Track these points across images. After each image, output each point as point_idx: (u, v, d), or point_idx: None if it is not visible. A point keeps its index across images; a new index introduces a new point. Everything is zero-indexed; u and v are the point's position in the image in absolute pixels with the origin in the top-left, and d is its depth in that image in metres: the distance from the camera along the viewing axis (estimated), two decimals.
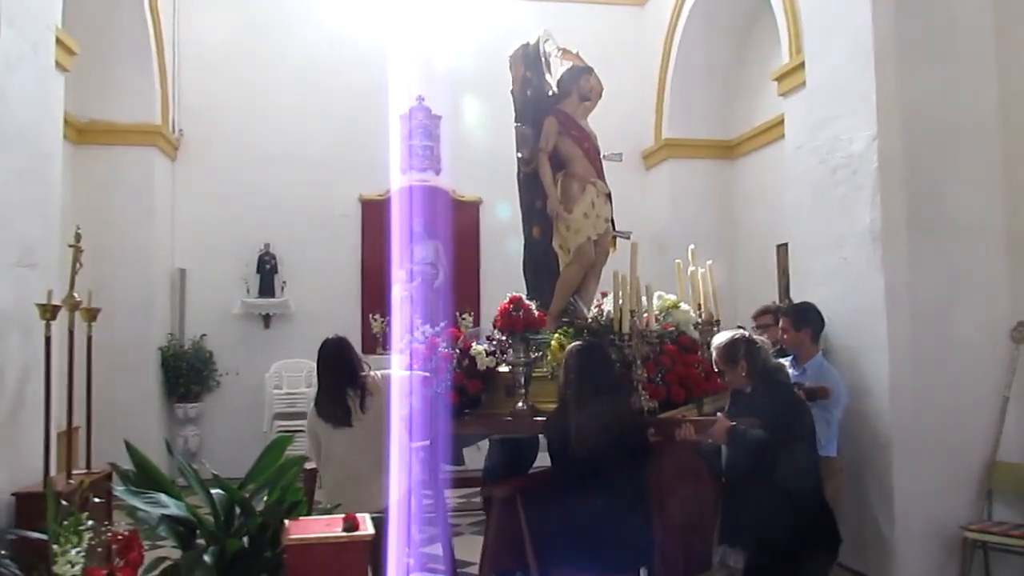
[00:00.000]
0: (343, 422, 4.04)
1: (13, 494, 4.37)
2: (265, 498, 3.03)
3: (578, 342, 3.90)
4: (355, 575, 2.60)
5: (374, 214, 8.82)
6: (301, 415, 5.11)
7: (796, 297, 6.30)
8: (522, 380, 4.27)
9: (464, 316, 4.71)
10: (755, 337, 3.70)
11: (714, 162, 9.25)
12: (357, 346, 8.23)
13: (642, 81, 9.52)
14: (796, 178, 6.58)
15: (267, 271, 8.91)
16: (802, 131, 6.28)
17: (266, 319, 8.94)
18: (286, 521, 2.85)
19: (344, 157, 8.97)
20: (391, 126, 8.66)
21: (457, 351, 4.46)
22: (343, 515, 2.77)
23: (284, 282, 8.97)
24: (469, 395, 4.35)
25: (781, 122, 7.27)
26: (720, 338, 3.69)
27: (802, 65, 6.25)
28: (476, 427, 4.44)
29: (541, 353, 4.33)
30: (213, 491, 3.05)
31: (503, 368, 4.43)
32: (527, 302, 4.36)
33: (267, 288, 8.90)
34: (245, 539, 2.97)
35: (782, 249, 7.81)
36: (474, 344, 4.50)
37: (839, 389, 4.43)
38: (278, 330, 8.89)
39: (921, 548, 5.01)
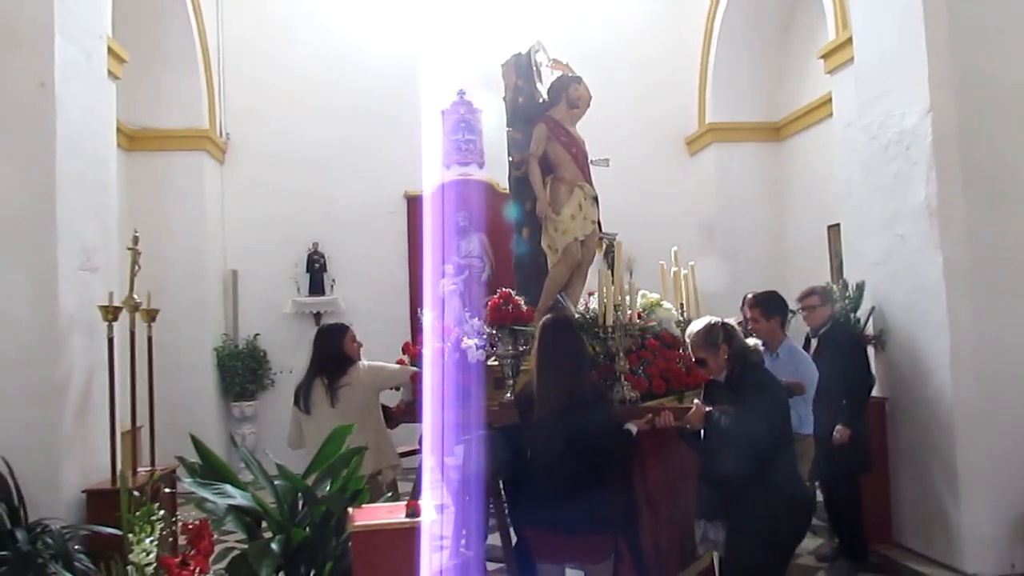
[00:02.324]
0: (308, 410, 4.26)
1: (84, 491, 4.51)
2: (328, 487, 3.08)
3: (548, 316, 3.99)
4: (420, 560, 2.63)
5: (420, 210, 8.86)
6: None
7: (851, 278, 6.19)
8: (510, 372, 4.41)
9: None
10: (727, 321, 3.74)
11: (760, 144, 9.10)
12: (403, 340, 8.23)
13: (684, 65, 9.42)
14: (846, 157, 6.46)
15: (316, 270, 9.03)
16: (851, 108, 6.17)
17: (317, 317, 9.04)
18: (349, 509, 2.89)
19: (388, 154, 9.04)
20: (433, 122, 8.69)
21: (450, 344, 4.58)
22: (406, 501, 2.80)
23: (333, 280, 9.09)
24: (460, 385, 4.47)
25: (829, 101, 7.13)
26: (696, 325, 3.72)
27: (849, 41, 6.13)
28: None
29: (528, 347, 4.42)
30: (277, 482, 3.11)
31: (492, 361, 4.56)
32: (516, 298, 4.49)
33: (317, 287, 9.02)
34: (308, 528, 3.01)
35: (833, 230, 7.67)
36: (465, 337, 4.61)
37: (810, 369, 4.56)
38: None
39: (987, 530, 4.91)
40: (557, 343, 3.64)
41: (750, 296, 5.19)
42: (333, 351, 4.40)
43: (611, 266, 8.26)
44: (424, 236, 8.21)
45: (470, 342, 4.53)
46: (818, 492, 6.30)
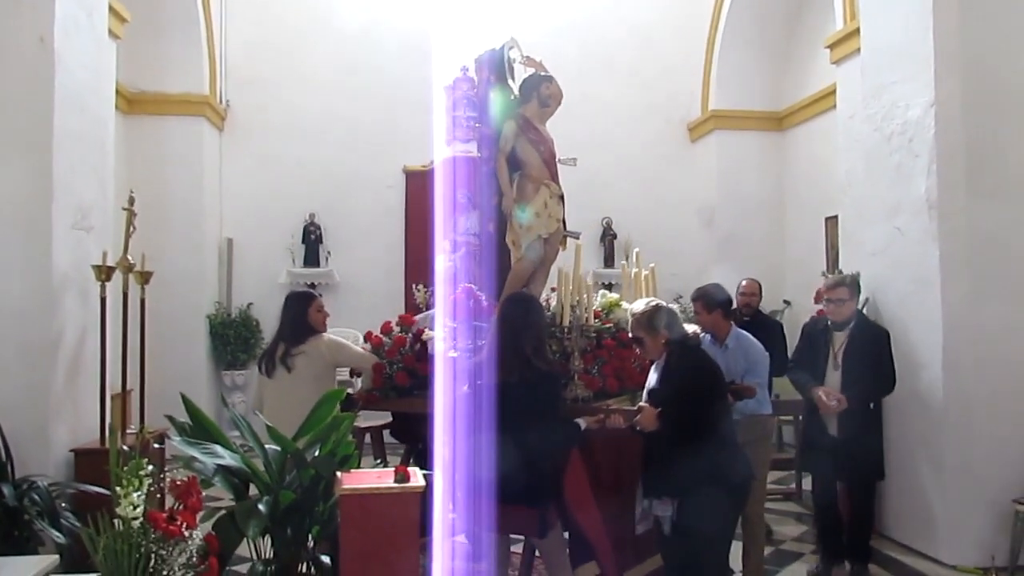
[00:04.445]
0: (269, 373, 4.32)
1: (72, 450, 4.51)
2: (317, 451, 3.08)
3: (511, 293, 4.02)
4: (407, 525, 2.64)
5: (418, 184, 8.83)
6: (346, 382, 5.33)
7: (847, 269, 6.18)
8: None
9: None
10: (670, 307, 3.80)
11: (762, 134, 9.10)
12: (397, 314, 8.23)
13: (688, 52, 9.38)
14: (849, 147, 6.46)
15: (312, 241, 9.01)
16: (856, 99, 6.15)
17: (311, 289, 9.01)
18: (338, 473, 2.89)
19: (388, 128, 9.01)
20: (435, 97, 8.63)
21: (410, 335, 4.62)
22: (395, 467, 2.80)
23: (329, 252, 9.07)
24: (419, 377, 4.48)
25: (833, 92, 7.12)
26: (639, 305, 3.77)
27: (857, 31, 6.11)
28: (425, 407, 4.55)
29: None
30: (266, 445, 3.11)
31: (452, 354, 4.54)
32: (477, 292, 4.51)
33: (312, 258, 9.00)
34: (296, 491, 3.01)
35: (831, 221, 7.69)
36: (426, 330, 4.64)
37: (761, 354, 4.60)
38: (323, 300, 8.97)
39: (972, 522, 4.93)
40: (509, 317, 3.74)
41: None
42: (296, 318, 4.42)
43: (607, 250, 8.21)
44: (423, 211, 8.19)
45: (431, 334, 4.54)
46: (803, 483, 6.37)
